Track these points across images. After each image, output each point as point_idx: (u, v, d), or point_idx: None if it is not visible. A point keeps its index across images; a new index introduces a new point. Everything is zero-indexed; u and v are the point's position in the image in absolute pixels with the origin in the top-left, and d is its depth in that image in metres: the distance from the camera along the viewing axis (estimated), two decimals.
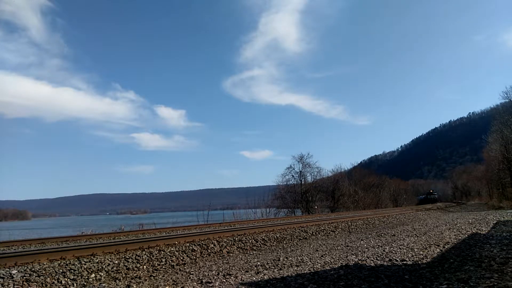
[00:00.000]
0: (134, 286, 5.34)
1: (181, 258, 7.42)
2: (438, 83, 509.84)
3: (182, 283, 5.26)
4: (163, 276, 6.03)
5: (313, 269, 5.72)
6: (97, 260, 6.36)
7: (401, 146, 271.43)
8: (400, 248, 7.42)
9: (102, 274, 5.92)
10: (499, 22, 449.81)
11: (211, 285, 5.03)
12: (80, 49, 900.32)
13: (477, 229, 10.81)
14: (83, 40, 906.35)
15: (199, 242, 8.62)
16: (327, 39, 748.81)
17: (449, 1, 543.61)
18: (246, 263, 6.90)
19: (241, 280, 5.25)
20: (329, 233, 12.40)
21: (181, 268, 6.70)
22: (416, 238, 9.25)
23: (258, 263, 6.70)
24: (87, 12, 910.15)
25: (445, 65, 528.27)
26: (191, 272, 6.18)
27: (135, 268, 6.43)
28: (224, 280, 5.27)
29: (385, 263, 5.90)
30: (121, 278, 5.96)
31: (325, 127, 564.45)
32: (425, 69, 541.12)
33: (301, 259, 6.82)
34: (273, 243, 10.00)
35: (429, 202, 58.45)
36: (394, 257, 6.36)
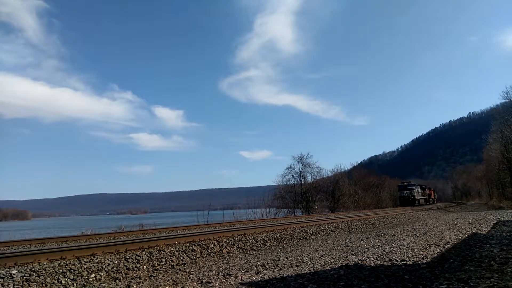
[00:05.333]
0: (134, 286, 5.33)
1: (181, 258, 7.42)
2: (437, 83, 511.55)
3: (182, 283, 5.25)
4: (163, 276, 6.03)
5: (313, 269, 5.72)
6: (97, 260, 6.36)
7: (401, 146, 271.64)
8: (400, 248, 7.42)
9: (102, 274, 5.92)
10: (492, 24, 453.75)
11: (211, 285, 5.02)
12: (77, 50, 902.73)
13: (477, 229, 10.80)
14: (80, 41, 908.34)
15: (199, 242, 8.61)
16: (322, 40, 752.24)
17: (443, 3, 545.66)
18: (246, 263, 6.90)
19: (241, 280, 5.24)
20: (329, 233, 12.39)
21: (181, 268, 6.70)
22: (416, 238, 9.25)
23: (258, 263, 6.70)
24: (84, 13, 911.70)
25: (443, 65, 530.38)
26: (191, 272, 6.17)
27: (135, 268, 6.43)
28: (224, 280, 5.26)
29: (385, 263, 5.90)
30: (121, 278, 5.96)
31: (323, 128, 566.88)
32: (424, 70, 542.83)
33: (301, 259, 6.81)
34: (273, 243, 9.99)
35: (406, 204, 39.37)
36: (394, 257, 6.36)
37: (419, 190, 44.07)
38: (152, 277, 6.02)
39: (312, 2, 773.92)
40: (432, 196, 56.42)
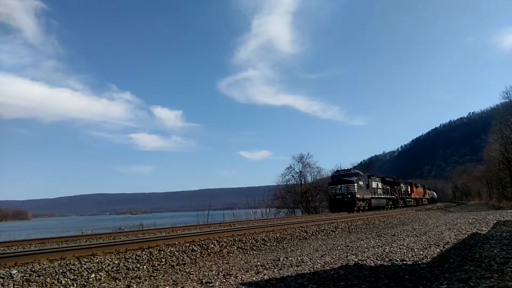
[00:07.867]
0: (134, 286, 5.33)
1: (181, 258, 7.42)
2: (437, 83, 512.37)
3: (182, 283, 5.25)
4: (163, 276, 6.03)
5: (313, 269, 5.72)
6: (97, 260, 6.36)
7: (401, 146, 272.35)
8: (400, 248, 7.42)
9: (102, 274, 5.92)
10: (490, 24, 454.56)
11: (211, 285, 5.02)
12: (76, 50, 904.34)
13: (477, 229, 10.80)
14: (78, 41, 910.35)
15: (199, 242, 8.61)
16: (320, 40, 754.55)
17: (441, 3, 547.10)
18: (246, 263, 6.90)
19: (241, 280, 5.25)
20: (329, 233, 12.39)
21: (181, 268, 6.70)
22: (416, 238, 9.25)
23: (258, 263, 6.70)
24: (82, 14, 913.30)
25: (443, 65, 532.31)
26: (191, 272, 6.17)
27: (135, 268, 6.43)
28: (224, 280, 5.27)
29: (385, 263, 5.90)
30: (121, 278, 5.96)
31: (322, 128, 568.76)
32: (424, 70, 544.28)
33: (301, 259, 6.81)
34: (273, 243, 9.99)
35: (339, 207, 24.02)
36: (394, 257, 6.36)
37: (375, 185, 26.47)
38: (152, 277, 6.02)
39: (309, 3, 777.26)
40: (416, 194, 43.79)
